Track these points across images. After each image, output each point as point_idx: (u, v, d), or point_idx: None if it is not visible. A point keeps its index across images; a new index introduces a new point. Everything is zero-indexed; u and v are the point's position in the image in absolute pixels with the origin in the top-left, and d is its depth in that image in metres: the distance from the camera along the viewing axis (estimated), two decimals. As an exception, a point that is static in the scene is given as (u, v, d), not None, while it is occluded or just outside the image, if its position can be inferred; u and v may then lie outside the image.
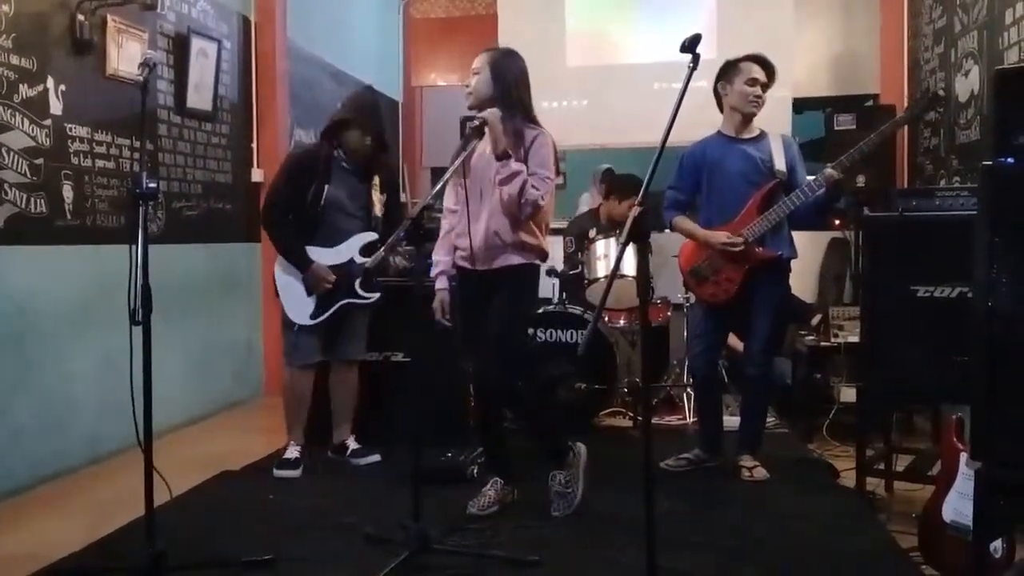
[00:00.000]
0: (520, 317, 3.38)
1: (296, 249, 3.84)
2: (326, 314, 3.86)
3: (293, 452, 3.95)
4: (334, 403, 4.08)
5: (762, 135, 3.74)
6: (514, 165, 3.11)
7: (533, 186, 3.13)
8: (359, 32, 7.76)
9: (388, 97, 8.02)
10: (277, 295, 3.92)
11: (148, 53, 2.80)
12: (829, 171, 3.48)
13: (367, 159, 3.93)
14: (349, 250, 3.88)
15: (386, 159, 4.09)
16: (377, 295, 3.93)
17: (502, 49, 3.37)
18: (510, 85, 3.24)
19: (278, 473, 3.85)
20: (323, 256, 3.85)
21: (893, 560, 2.84)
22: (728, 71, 3.71)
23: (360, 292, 3.89)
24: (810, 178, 3.60)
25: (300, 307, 3.85)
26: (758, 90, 3.67)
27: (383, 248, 3.68)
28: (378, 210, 3.96)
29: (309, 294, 3.84)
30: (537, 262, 3.34)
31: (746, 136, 3.73)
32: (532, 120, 3.28)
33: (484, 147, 3.22)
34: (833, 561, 2.85)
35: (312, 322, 3.85)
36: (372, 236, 3.91)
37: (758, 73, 3.66)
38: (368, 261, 3.76)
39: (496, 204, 3.20)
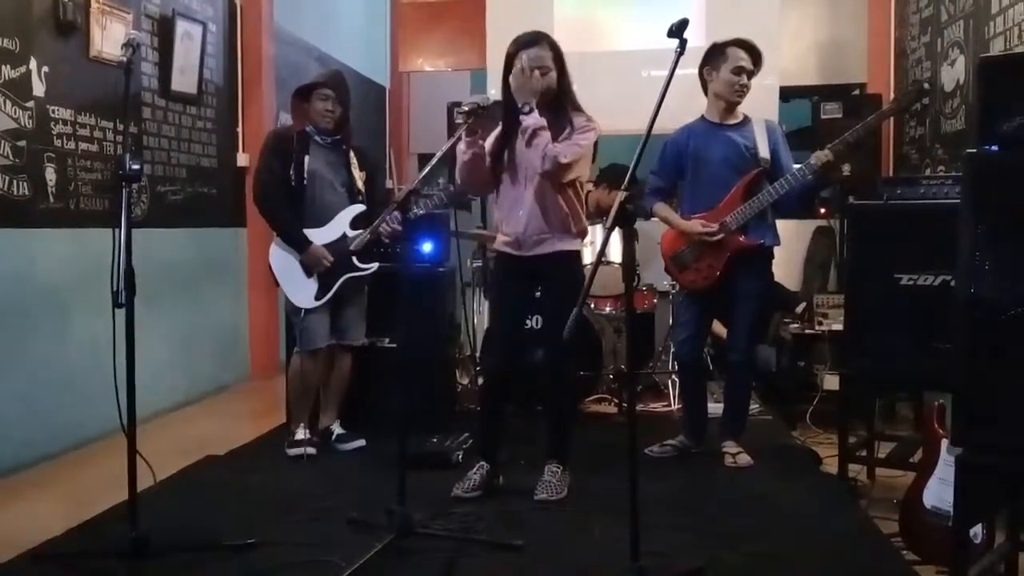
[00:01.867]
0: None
1: (294, 231, 3.82)
2: (330, 292, 3.84)
3: (302, 433, 3.92)
4: (324, 388, 4.06)
5: (746, 120, 3.73)
6: (532, 119, 3.11)
7: (554, 145, 3.15)
8: (346, 16, 7.71)
9: (375, 83, 7.98)
10: (277, 284, 3.90)
11: (132, 33, 2.77)
12: (820, 152, 3.48)
13: (337, 128, 3.91)
14: (340, 225, 3.87)
15: (350, 132, 4.02)
16: (375, 265, 3.92)
17: (549, 36, 3.30)
18: (568, 78, 3.29)
19: (291, 452, 3.85)
20: (315, 236, 3.83)
21: (874, 545, 2.87)
22: (714, 56, 3.69)
23: (358, 264, 3.88)
24: (797, 166, 3.61)
25: (303, 291, 3.83)
26: (743, 79, 3.65)
27: (367, 231, 3.70)
28: (360, 185, 3.95)
29: (309, 275, 3.83)
30: (580, 247, 3.41)
31: (730, 122, 3.72)
32: (578, 107, 3.31)
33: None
34: (815, 546, 2.87)
35: (318, 303, 3.83)
36: (360, 208, 3.90)
37: (744, 60, 3.64)
38: (354, 243, 3.75)
39: (540, 189, 3.22)
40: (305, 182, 3.81)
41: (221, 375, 5.60)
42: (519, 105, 3.15)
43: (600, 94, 6.18)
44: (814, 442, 4.15)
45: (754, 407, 4.23)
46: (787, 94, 6.18)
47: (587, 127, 3.25)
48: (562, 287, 3.30)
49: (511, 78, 3.21)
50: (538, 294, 3.49)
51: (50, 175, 4.05)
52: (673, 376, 4.81)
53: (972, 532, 2.41)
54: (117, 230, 2.50)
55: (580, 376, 4.59)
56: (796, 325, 4.70)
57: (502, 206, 3.35)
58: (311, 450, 3.85)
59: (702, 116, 3.78)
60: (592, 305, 4.97)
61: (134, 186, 2.59)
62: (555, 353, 3.34)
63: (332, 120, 3.88)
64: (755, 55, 3.66)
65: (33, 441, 3.90)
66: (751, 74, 3.66)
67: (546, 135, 3.15)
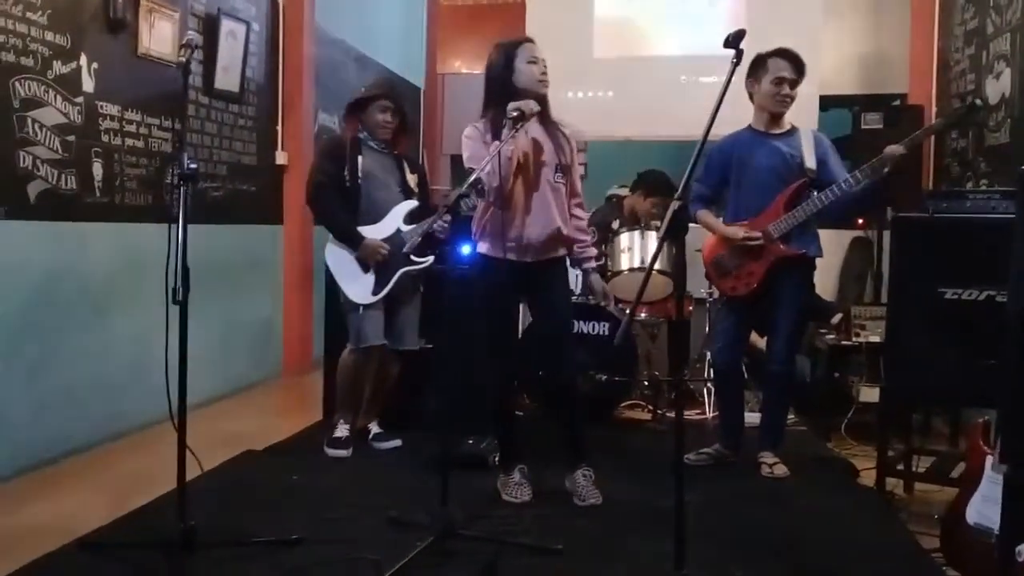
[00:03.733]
0: None
1: (348, 226, 3.85)
2: (388, 287, 3.85)
3: (343, 431, 3.98)
4: (369, 389, 4.08)
5: (793, 130, 3.72)
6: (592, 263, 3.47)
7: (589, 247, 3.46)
8: (385, 18, 7.77)
9: (410, 83, 8.03)
10: (334, 281, 3.91)
11: (190, 35, 2.80)
12: (895, 147, 3.39)
13: (393, 137, 3.96)
14: (394, 221, 3.89)
15: (407, 140, 4.08)
16: (431, 258, 3.91)
17: None
18: None
19: (330, 452, 3.91)
20: (370, 233, 3.85)
21: (916, 560, 2.85)
22: (756, 67, 3.67)
23: (414, 259, 3.88)
24: (845, 176, 3.56)
25: (360, 287, 3.85)
26: (785, 88, 3.63)
27: (418, 233, 3.73)
28: (412, 186, 3.97)
29: (366, 270, 3.85)
30: None
31: (776, 132, 3.70)
32: None
33: (534, 136, 3.24)
34: (856, 559, 2.86)
35: (375, 298, 3.84)
36: (413, 204, 3.93)
37: (785, 70, 3.62)
38: (407, 246, 3.75)
39: (551, 196, 3.26)
40: (360, 181, 3.84)
41: (255, 371, 5.65)
42: (520, 113, 3.03)
43: (637, 99, 6.23)
44: (849, 454, 4.13)
45: (789, 418, 4.21)
46: (827, 103, 6.13)
47: (577, 135, 3.43)
48: (566, 290, 3.46)
49: (525, 73, 3.21)
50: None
51: (97, 170, 4.12)
52: (708, 384, 4.81)
53: (1016, 549, 2.39)
54: (173, 227, 2.54)
55: (615, 382, 4.61)
56: (832, 336, 4.67)
57: (506, 212, 3.21)
58: (344, 453, 3.91)
59: (749, 125, 3.76)
60: (627, 311, 4.97)
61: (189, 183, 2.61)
62: (570, 354, 3.44)
63: (390, 131, 3.92)
64: (797, 64, 3.63)
65: (75, 432, 3.96)
66: (793, 83, 3.64)
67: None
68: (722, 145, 3.78)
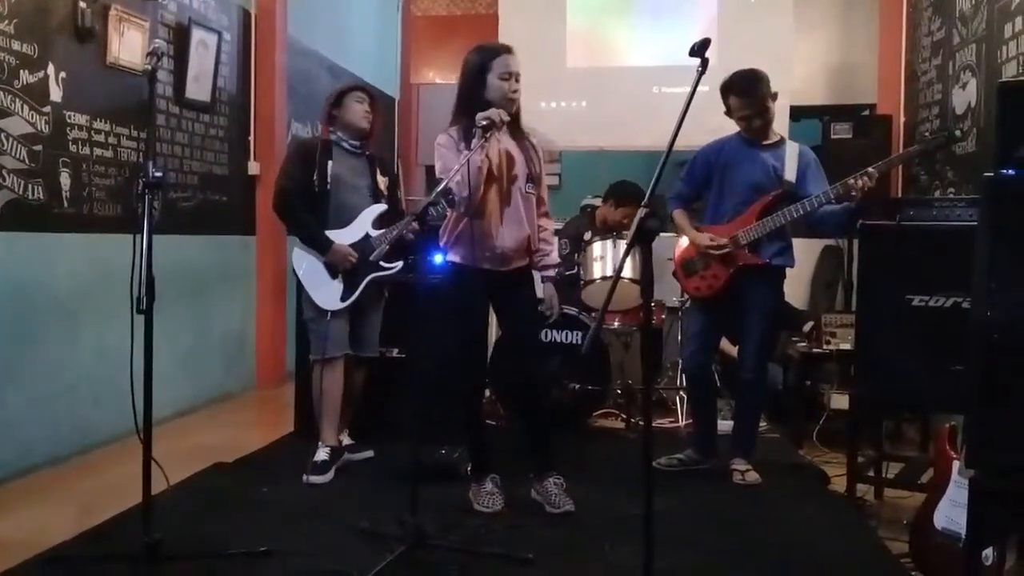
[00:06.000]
0: None
1: (315, 231, 3.79)
2: (356, 293, 3.78)
3: (322, 454, 3.77)
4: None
5: (780, 142, 3.75)
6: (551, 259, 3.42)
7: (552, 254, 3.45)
8: (358, 28, 7.76)
9: (384, 94, 8.02)
10: (301, 288, 3.85)
11: (156, 42, 2.78)
12: (864, 179, 3.39)
13: (368, 133, 3.90)
14: (362, 226, 3.83)
15: (378, 142, 4.05)
16: (400, 264, 3.84)
17: None
18: None
19: (308, 479, 3.66)
20: (338, 237, 3.79)
21: (885, 566, 2.87)
22: (726, 102, 3.71)
23: (382, 264, 3.81)
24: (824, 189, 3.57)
25: (328, 293, 3.78)
26: (755, 122, 3.66)
27: (386, 241, 3.70)
28: (382, 189, 3.93)
29: (334, 276, 3.79)
30: None
31: (764, 142, 3.72)
32: None
33: (505, 146, 3.24)
34: (826, 565, 2.88)
35: (343, 304, 3.77)
36: (382, 208, 3.88)
37: (747, 108, 3.64)
38: (374, 255, 3.71)
39: (523, 205, 3.27)
40: (328, 186, 3.79)
41: (227, 383, 5.61)
42: (489, 122, 3.03)
43: (610, 109, 6.25)
44: (820, 461, 4.15)
45: (761, 425, 4.24)
46: (797, 113, 6.18)
47: (545, 144, 3.49)
48: (533, 299, 3.45)
49: (496, 89, 3.20)
50: None
51: (65, 180, 4.07)
52: (681, 392, 4.82)
53: (983, 554, 2.41)
54: (138, 236, 2.52)
55: (588, 390, 4.61)
56: (803, 344, 4.71)
57: (479, 222, 3.21)
58: (324, 478, 3.70)
59: (738, 132, 3.78)
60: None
61: (156, 192, 2.59)
62: (537, 362, 3.46)
63: (369, 121, 3.86)
64: (754, 93, 3.63)
65: (41, 445, 3.91)
66: (762, 111, 3.65)
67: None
68: (710, 148, 3.82)
